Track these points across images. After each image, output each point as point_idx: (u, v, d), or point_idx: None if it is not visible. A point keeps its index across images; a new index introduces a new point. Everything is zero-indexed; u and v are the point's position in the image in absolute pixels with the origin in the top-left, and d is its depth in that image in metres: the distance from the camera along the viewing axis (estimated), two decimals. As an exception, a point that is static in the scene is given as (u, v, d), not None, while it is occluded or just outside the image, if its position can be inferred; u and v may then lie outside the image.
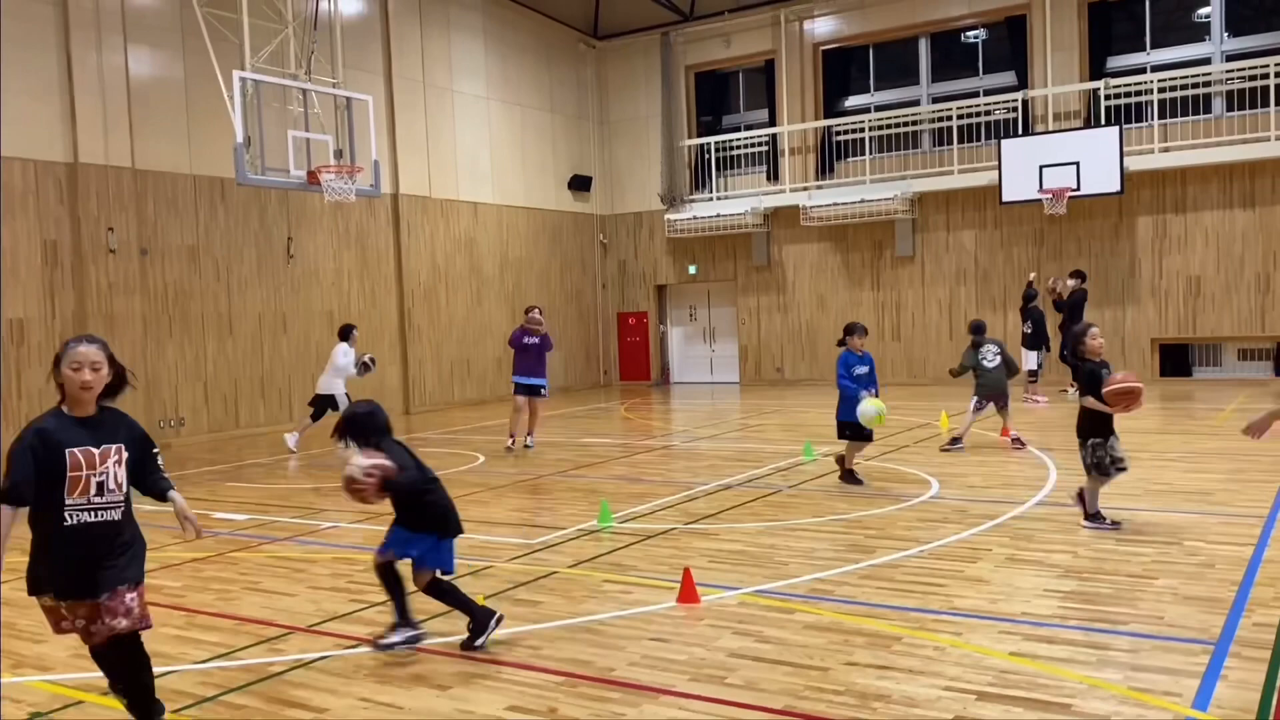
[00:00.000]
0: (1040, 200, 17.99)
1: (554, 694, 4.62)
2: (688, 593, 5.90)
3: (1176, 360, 18.76)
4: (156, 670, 5.10)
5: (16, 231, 13.55)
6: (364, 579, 6.80)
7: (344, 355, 13.56)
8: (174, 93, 15.24)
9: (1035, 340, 16.10)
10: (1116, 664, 4.71)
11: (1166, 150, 17.99)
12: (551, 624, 5.63)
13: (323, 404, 13.55)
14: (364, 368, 13.67)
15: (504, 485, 10.38)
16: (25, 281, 13.64)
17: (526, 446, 12.82)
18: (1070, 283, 16.17)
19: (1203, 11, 18.43)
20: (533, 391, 12.86)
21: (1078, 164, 17.63)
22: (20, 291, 13.58)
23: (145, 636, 4.25)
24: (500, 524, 8.45)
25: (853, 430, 9.40)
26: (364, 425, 5.46)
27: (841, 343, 9.78)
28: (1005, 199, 18.47)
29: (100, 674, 4.36)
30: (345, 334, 13.93)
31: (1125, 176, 17.54)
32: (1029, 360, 15.94)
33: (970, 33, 20.46)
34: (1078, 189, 17.67)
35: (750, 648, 5.11)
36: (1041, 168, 17.90)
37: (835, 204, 20.37)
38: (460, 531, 5.56)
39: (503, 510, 9.06)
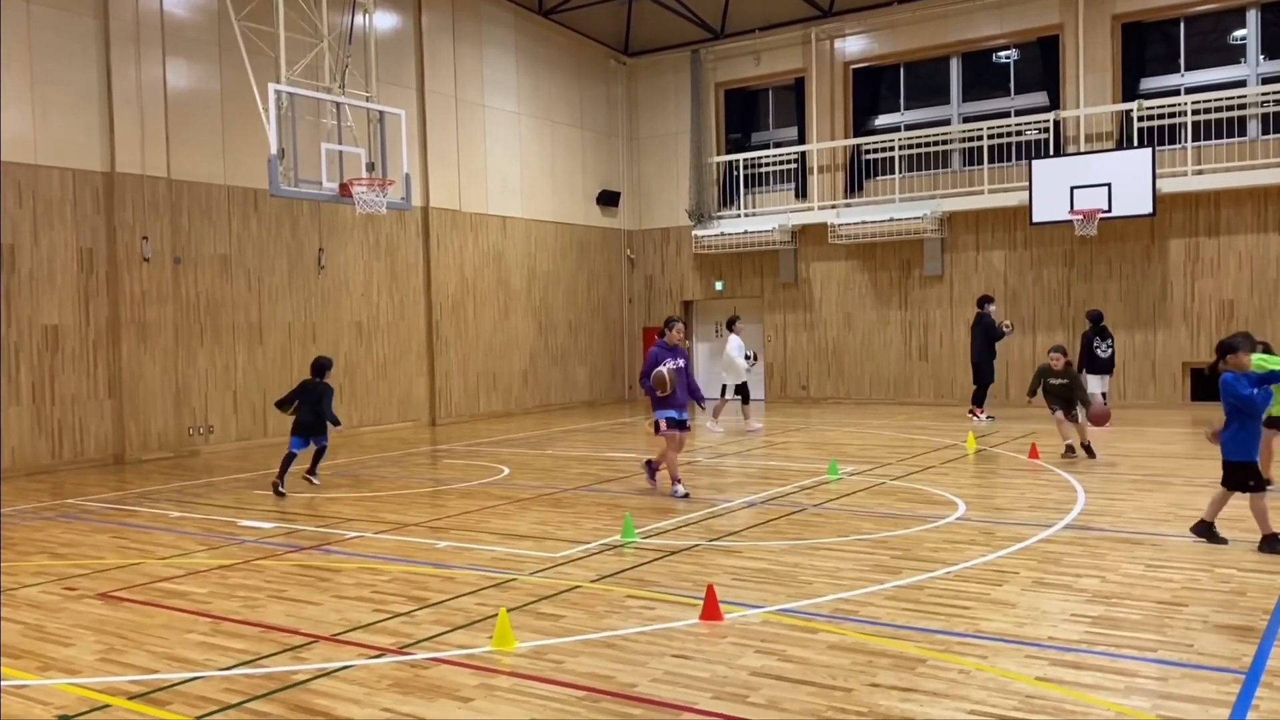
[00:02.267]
0: (1071, 221, 17.88)
1: (575, 709, 4.61)
2: (711, 610, 5.88)
3: (1209, 385, 18.46)
4: (181, 675, 5.17)
5: (54, 240, 13.76)
6: (388, 589, 6.83)
7: (737, 348, 15.86)
8: (210, 105, 15.45)
9: (1107, 364, 16.10)
10: (1145, 691, 4.65)
11: (1200, 173, 17.84)
12: (573, 638, 5.63)
13: (741, 390, 16.14)
14: (749, 359, 15.86)
15: (527, 498, 10.40)
16: (61, 289, 13.84)
17: (685, 495, 10.13)
18: (991, 308, 17.41)
19: (1238, 33, 18.29)
20: (685, 424, 10.42)
21: (1109, 185, 17.50)
22: (56, 299, 13.79)
23: (173, 639, 5.55)
24: (523, 537, 8.47)
25: (1256, 479, 7.33)
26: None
27: (1213, 368, 7.71)
28: (1035, 220, 18.35)
29: (127, 678, 4.62)
30: (731, 324, 16.21)
31: (1157, 198, 17.39)
32: (1097, 384, 15.84)
33: (1002, 53, 20.39)
34: (1109, 210, 17.54)
35: (773, 667, 5.08)
36: (1073, 189, 17.78)
37: (864, 222, 20.32)
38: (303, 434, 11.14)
39: (526, 523, 9.07)
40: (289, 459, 11.11)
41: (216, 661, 5.40)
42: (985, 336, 16.98)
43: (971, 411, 16.91)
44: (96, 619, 6.30)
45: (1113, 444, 13.41)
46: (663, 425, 10.24)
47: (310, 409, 11.18)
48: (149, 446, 14.63)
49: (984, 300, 17.50)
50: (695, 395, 10.64)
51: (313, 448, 11.35)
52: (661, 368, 10.07)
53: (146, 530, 9.29)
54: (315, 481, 11.47)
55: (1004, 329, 16.94)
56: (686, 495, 10.10)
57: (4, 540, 8.97)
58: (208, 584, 7.14)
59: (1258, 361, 9.11)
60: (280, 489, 10.95)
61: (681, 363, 10.31)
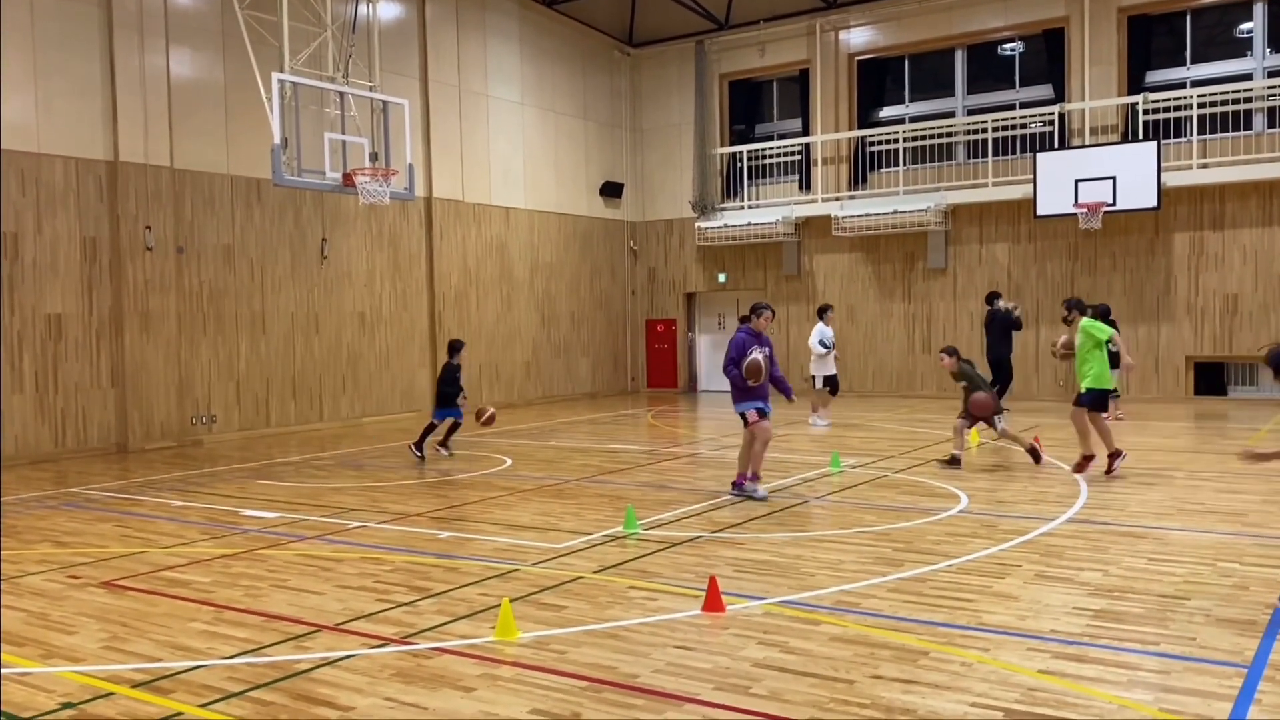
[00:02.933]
0: (1075, 214, 17.84)
1: (578, 699, 4.62)
2: (713, 601, 5.88)
3: (1211, 379, 18.52)
4: (184, 664, 5.18)
5: (57, 228, 13.76)
6: (391, 579, 6.84)
7: (816, 336, 15.76)
8: (213, 94, 15.44)
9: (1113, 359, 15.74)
10: (1147, 684, 4.65)
11: (1205, 166, 17.79)
12: (576, 629, 5.63)
13: (831, 382, 16.11)
14: (828, 348, 15.71)
15: (530, 489, 10.41)
16: (65, 277, 13.84)
17: (758, 497, 9.43)
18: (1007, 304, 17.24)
19: (1245, 26, 18.23)
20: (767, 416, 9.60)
21: (1114, 179, 17.47)
22: (60, 287, 13.79)
23: (176, 628, 5.49)
24: (526, 528, 8.48)
25: None
26: None
27: None
28: (1040, 213, 18.33)
29: (131, 666, 4.73)
30: (822, 313, 16.03)
31: (1162, 192, 17.36)
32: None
33: (1007, 45, 20.34)
34: (1114, 204, 17.51)
35: (775, 658, 5.08)
36: (1077, 182, 17.75)
37: (867, 214, 20.29)
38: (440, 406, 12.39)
39: (528, 514, 9.08)
40: (429, 428, 12.97)
41: (219, 650, 5.41)
42: (1003, 330, 16.72)
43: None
44: (100, 607, 6.32)
45: (1116, 437, 13.40)
46: (753, 416, 9.40)
47: (445, 386, 13.05)
48: (152, 436, 14.64)
49: (992, 296, 17.36)
50: (782, 387, 9.72)
51: (450, 420, 12.95)
52: (756, 355, 9.30)
53: (150, 519, 9.31)
54: (446, 453, 12.88)
55: (1014, 312, 16.77)
56: (766, 497, 9.36)
57: (9, 529, 8.99)
58: (211, 573, 7.15)
59: (1086, 327, 10.09)
60: (417, 452, 12.71)
61: (768, 351, 9.46)
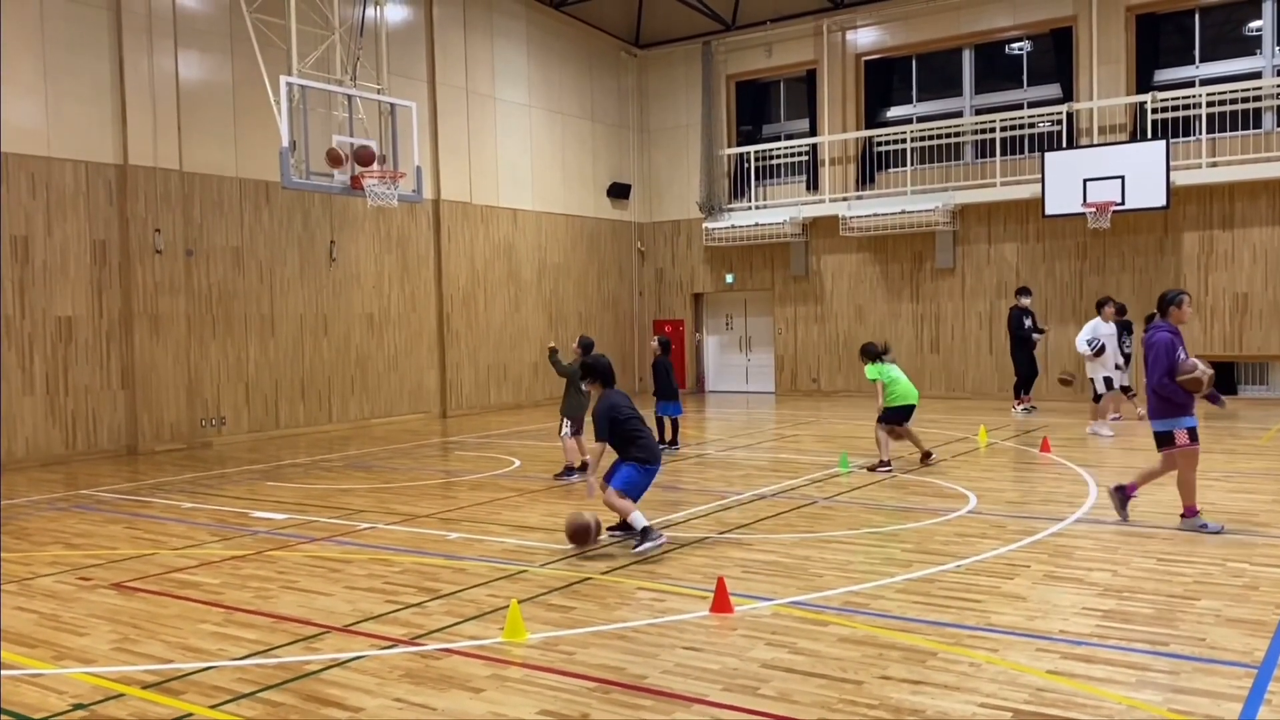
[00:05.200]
0: (1084, 214, 17.79)
1: (586, 699, 4.63)
2: (721, 602, 5.89)
3: (1222, 378, 18.41)
4: (194, 665, 5.20)
5: (67, 231, 13.82)
6: (400, 580, 6.85)
7: (1085, 333, 14.28)
8: (222, 97, 15.49)
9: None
10: (1156, 685, 4.64)
11: (1214, 165, 17.72)
12: (584, 630, 5.64)
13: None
14: (1092, 349, 14.19)
15: (538, 490, 10.42)
16: (74, 280, 13.90)
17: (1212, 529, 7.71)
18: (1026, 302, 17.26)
19: (1254, 24, 18.15)
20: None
21: (1123, 178, 17.41)
22: (69, 290, 13.85)
23: (187, 629, 5.51)
24: (534, 528, 8.49)
25: None
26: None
27: None
28: (1048, 212, 18.28)
29: (142, 668, 4.75)
30: (1100, 307, 14.48)
31: (1171, 191, 17.30)
32: (1120, 378, 15.49)
33: (1015, 44, 20.30)
34: (1122, 203, 17.46)
35: (783, 659, 5.09)
36: (1086, 181, 17.69)
37: (875, 214, 20.27)
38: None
39: (537, 515, 9.09)
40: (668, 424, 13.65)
41: (229, 651, 5.43)
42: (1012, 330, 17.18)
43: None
44: (111, 609, 6.35)
45: (1125, 433, 13.36)
46: (1182, 437, 7.67)
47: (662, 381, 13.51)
48: (161, 438, 14.70)
49: (1020, 292, 17.44)
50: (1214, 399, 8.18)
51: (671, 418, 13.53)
52: (1203, 368, 7.62)
53: (160, 521, 9.35)
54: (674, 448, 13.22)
55: (1035, 333, 17.15)
56: (1221, 529, 7.67)
57: (20, 531, 9.04)
58: (220, 574, 7.18)
59: (876, 372, 11.65)
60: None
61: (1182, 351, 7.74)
